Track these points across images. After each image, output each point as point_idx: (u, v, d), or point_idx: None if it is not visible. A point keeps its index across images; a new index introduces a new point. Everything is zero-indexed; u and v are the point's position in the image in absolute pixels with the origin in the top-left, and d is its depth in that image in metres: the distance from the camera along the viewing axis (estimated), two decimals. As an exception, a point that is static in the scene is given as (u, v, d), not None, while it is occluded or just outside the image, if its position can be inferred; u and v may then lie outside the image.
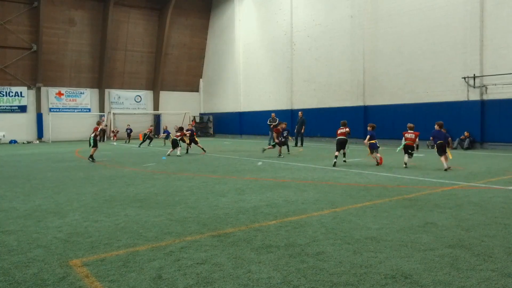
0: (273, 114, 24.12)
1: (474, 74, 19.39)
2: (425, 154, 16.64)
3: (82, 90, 33.69)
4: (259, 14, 32.29)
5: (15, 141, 30.22)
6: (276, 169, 12.40)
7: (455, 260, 4.26)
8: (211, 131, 37.80)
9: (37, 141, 31.39)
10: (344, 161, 13.62)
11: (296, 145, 22.63)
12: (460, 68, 19.93)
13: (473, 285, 3.62)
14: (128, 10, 34.03)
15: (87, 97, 33.94)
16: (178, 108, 37.64)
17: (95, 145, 15.32)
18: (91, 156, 15.43)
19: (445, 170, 11.37)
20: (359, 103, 24.58)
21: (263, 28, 31.82)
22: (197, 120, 38.62)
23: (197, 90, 39.53)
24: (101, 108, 34.32)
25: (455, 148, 19.31)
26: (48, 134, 31.79)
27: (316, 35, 27.28)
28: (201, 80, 39.32)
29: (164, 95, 37.39)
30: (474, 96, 19.54)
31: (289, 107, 29.06)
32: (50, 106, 32.34)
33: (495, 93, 19.00)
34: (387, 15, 23.08)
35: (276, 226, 5.73)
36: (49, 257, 4.53)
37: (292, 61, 29.22)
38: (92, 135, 15.37)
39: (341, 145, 13.30)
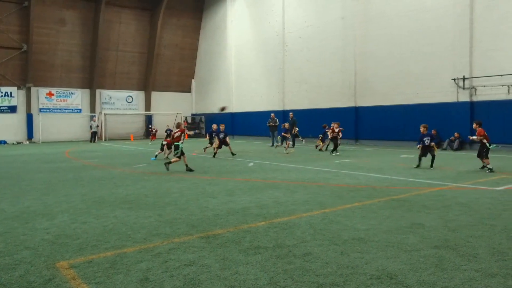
0: (272, 115, 24.28)
1: (463, 76, 19.59)
2: (416, 155, 16.73)
3: (73, 90, 33.44)
4: (251, 15, 32.32)
5: (4, 142, 29.91)
6: (267, 170, 12.43)
7: (440, 260, 4.32)
8: (203, 131, 37.73)
9: (27, 142, 31.10)
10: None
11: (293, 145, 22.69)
12: (450, 69, 20.12)
13: (456, 285, 3.67)
14: (120, 10, 33.87)
15: (78, 97, 33.70)
16: (170, 109, 37.53)
17: (182, 153, 12.06)
18: (187, 166, 12.20)
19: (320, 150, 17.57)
20: (350, 104, 24.70)
21: (255, 29, 31.86)
22: (189, 120, 38.54)
23: (189, 91, 39.45)
24: (92, 109, 34.09)
25: (445, 149, 19.49)
26: (38, 134, 31.50)
27: (307, 36, 27.37)
28: (193, 80, 39.24)
29: (155, 96, 37.27)
30: (464, 97, 19.74)
31: (281, 108, 29.11)
32: (41, 106, 32.05)
33: (484, 95, 19.21)
34: (378, 17, 23.23)
35: (265, 227, 5.75)
36: (36, 259, 4.51)
37: (284, 62, 29.28)
38: (181, 142, 12.10)
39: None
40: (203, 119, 37.83)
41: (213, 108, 36.62)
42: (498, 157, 15.24)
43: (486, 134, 11.77)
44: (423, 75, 21.23)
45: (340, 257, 4.47)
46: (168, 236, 5.36)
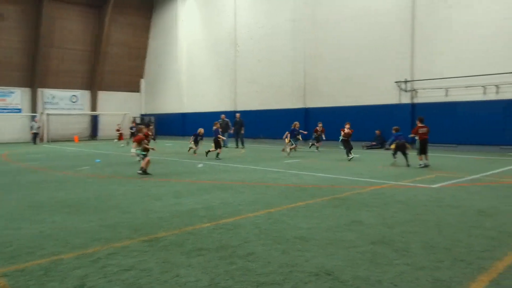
0: (223, 116, 24.15)
1: (405, 79, 20.58)
2: (361, 155, 17.36)
3: (12, 89, 31.63)
4: (202, 14, 32.14)
5: None
6: (216, 171, 12.40)
7: (375, 256, 4.51)
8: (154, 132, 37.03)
9: (-39, 144, 29.05)
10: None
11: (237, 146, 22.76)
12: (393, 73, 21.06)
13: (388, 279, 3.85)
14: (64, 6, 32.48)
15: (18, 96, 31.92)
16: (118, 109, 36.49)
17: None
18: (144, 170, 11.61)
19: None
20: (300, 105, 25.20)
21: (207, 29, 31.71)
22: (137, 121, 37.64)
23: (138, 91, 38.56)
24: (33, 109, 32.43)
25: (388, 149, 20.32)
26: (-27, 136, 29.55)
27: (259, 37, 27.61)
28: (142, 80, 38.40)
29: (102, 95, 36.08)
30: (405, 99, 20.75)
31: (232, 109, 29.15)
32: (-24, 106, 30.11)
33: (424, 97, 20.28)
34: (326, 21, 23.86)
35: (209, 228, 5.74)
36: (-38, 270, 4.23)
37: (236, 63, 29.36)
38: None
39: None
40: (153, 119, 37.06)
41: (164, 108, 36.05)
42: (435, 156, 16.12)
43: (418, 131, 12.64)
44: (368, 77, 22.07)
45: (281, 256, 4.55)
46: (108, 240, 5.21)
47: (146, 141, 11.86)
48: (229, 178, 10.83)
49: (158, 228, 5.81)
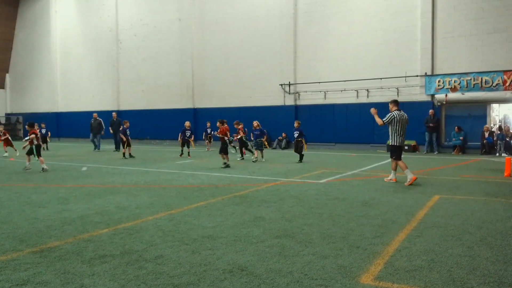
0: (95, 115, 22.29)
1: (289, 82, 21.82)
2: (249, 154, 17.89)
3: None
4: (80, 6, 29.87)
5: None
6: (103, 174, 11.65)
7: (282, 248, 4.71)
8: (21, 133, 33.21)
9: None
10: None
11: (117, 148, 21.25)
12: (278, 76, 22.18)
13: (298, 269, 4.05)
14: None
15: None
16: (-22, 107, 32.02)
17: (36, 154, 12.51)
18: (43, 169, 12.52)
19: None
20: (189, 105, 25.01)
21: (85, 22, 29.55)
22: (2, 121, 33.43)
23: (2, 87, 34.27)
24: None
25: (275, 148, 21.35)
26: None
27: (144, 35, 26.67)
28: (7, 75, 34.23)
29: (-43, 91, 31.30)
30: (289, 101, 21.99)
31: (115, 108, 27.65)
32: None
33: (306, 99, 21.74)
34: (214, 22, 24.08)
35: (109, 234, 5.38)
36: None
37: (119, 60, 27.92)
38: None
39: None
40: (20, 119, 33.24)
41: (35, 107, 32.64)
42: (317, 153, 17.42)
43: (227, 132, 13.92)
44: (255, 80, 22.88)
45: (191, 256, 4.47)
46: (-11, 255, 4.55)
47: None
48: (120, 181, 10.27)
49: (48, 237, 5.25)
